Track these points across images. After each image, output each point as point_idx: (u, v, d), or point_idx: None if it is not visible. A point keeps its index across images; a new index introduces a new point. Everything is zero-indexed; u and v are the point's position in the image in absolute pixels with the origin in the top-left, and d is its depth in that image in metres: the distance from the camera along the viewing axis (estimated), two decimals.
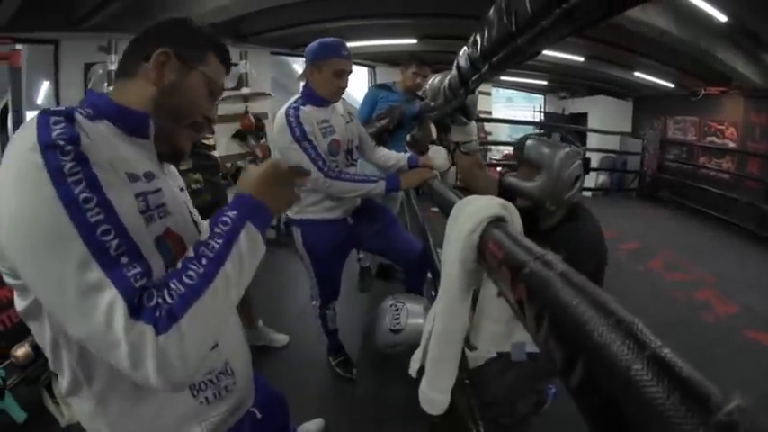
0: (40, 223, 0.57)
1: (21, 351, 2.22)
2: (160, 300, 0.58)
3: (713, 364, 2.46)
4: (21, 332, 2.36)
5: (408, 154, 2.18)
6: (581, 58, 5.88)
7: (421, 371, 1.03)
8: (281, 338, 2.68)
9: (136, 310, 0.56)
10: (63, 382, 0.74)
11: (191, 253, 0.66)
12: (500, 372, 1.49)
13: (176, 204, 0.83)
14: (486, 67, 1.32)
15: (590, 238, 1.47)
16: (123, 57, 0.82)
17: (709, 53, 4.50)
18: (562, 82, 8.42)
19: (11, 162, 0.59)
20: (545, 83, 8.72)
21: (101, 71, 3.53)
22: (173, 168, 0.94)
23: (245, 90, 4.59)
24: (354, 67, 2.03)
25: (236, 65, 4.54)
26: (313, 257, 2.09)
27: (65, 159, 0.58)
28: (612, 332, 0.35)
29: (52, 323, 0.67)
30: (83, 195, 0.57)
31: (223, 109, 4.58)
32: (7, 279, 0.66)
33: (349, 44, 5.58)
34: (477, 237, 0.76)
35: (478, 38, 1.21)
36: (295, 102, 1.91)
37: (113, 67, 3.42)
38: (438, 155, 2.12)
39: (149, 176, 0.75)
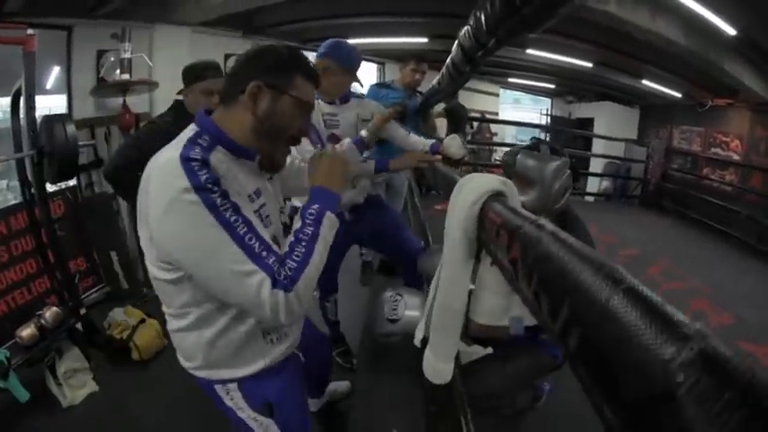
0: (207, 240, 0.86)
1: (26, 332, 2.27)
2: (284, 272, 0.89)
3: None
4: (26, 313, 2.42)
5: (431, 141, 2.23)
6: (590, 64, 5.90)
7: (424, 343, 1.07)
8: None
9: (276, 284, 0.87)
10: (177, 325, 1.05)
11: (292, 238, 0.95)
12: (502, 364, 1.54)
13: (275, 212, 1.12)
14: (492, 41, 1.37)
15: (583, 239, 1.50)
16: (225, 87, 1.02)
17: (717, 65, 4.51)
18: (570, 86, 8.42)
19: (169, 198, 0.85)
20: (552, 86, 8.72)
21: (112, 59, 3.53)
22: (276, 180, 1.19)
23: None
24: (364, 64, 2.11)
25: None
26: None
27: (214, 196, 0.85)
28: (592, 275, 0.38)
29: (194, 293, 0.97)
30: (232, 218, 0.86)
31: None
32: (159, 265, 0.95)
33: (359, 41, 5.60)
34: (479, 208, 0.81)
35: (481, 14, 1.24)
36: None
37: (126, 55, 3.45)
38: (453, 143, 2.17)
39: (258, 193, 1.03)
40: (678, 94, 6.51)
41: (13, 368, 2.15)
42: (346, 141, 1.89)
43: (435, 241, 2.86)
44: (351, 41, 5.94)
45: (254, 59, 1.00)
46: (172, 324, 1.07)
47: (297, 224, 0.98)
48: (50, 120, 2.34)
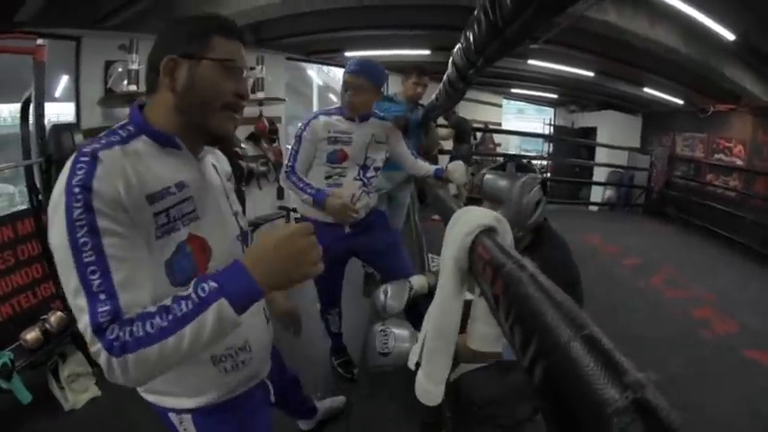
0: (59, 250, 0.74)
1: (30, 335, 2.31)
2: (120, 333, 0.71)
3: (709, 381, 2.50)
4: (31, 317, 2.45)
5: (436, 167, 2.36)
6: (590, 73, 5.95)
7: (418, 365, 1.10)
8: None
9: (98, 335, 0.71)
10: None
11: (168, 302, 0.74)
12: (503, 373, 1.55)
13: (209, 204, 0.95)
14: (480, 60, 1.41)
15: (557, 259, 1.52)
16: (146, 77, 0.90)
17: (718, 71, 4.54)
18: (572, 96, 8.46)
19: (54, 198, 0.75)
20: (555, 96, 8.76)
21: (120, 69, 3.60)
22: (219, 159, 1.08)
23: (260, 94, 4.68)
24: None
25: (253, 68, 4.64)
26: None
27: (77, 206, 0.72)
28: (559, 319, 0.44)
29: None
30: (82, 240, 0.72)
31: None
32: None
33: (362, 53, 5.66)
34: (471, 240, 0.85)
35: (470, 34, 1.28)
36: (327, 109, 2.12)
37: (133, 66, 3.50)
38: (457, 169, 2.29)
39: (180, 186, 0.87)
40: (680, 101, 6.53)
41: (16, 370, 2.18)
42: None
43: (430, 250, 2.92)
44: (354, 54, 6.04)
45: (164, 35, 0.88)
46: None
47: (185, 290, 0.75)
48: (59, 129, 2.41)
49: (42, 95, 2.34)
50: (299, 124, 2.10)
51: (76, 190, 0.72)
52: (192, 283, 0.75)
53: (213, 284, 0.74)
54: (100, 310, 0.71)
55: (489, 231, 0.86)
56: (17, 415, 2.21)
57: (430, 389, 1.04)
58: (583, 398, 0.35)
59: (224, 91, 0.88)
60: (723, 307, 3.56)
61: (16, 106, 2.65)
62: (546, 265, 1.49)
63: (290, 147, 2.14)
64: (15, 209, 2.98)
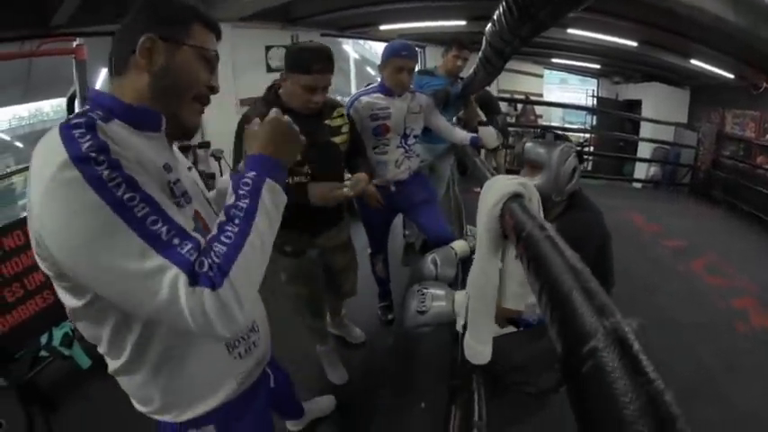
0: (92, 228, 0.63)
1: None
2: (209, 262, 0.65)
3: (740, 374, 2.46)
4: None
5: (471, 135, 2.60)
6: (634, 43, 5.63)
7: (465, 328, 1.21)
8: (358, 335, 2.69)
9: (194, 278, 0.64)
10: (117, 364, 0.84)
11: (223, 217, 0.73)
12: (530, 339, 1.65)
13: (193, 187, 0.92)
14: (516, 39, 1.44)
15: (587, 220, 1.66)
16: (112, 56, 0.84)
17: None
18: (615, 66, 8.05)
19: (46, 180, 0.63)
20: (598, 66, 8.38)
21: None
22: (176, 151, 0.97)
23: None
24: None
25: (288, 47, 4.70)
26: (363, 212, 2.48)
27: (100, 168, 0.63)
28: (565, 272, 0.56)
29: (116, 313, 0.77)
30: (126, 195, 0.64)
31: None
32: (58, 284, 0.75)
33: (396, 26, 5.62)
34: (499, 209, 0.94)
35: (504, 13, 1.31)
36: (367, 89, 2.33)
37: None
38: (487, 134, 2.56)
39: (168, 168, 0.82)
40: (730, 75, 6.07)
41: (76, 339, 2.43)
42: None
43: (469, 220, 3.00)
44: (388, 27, 5.96)
45: (143, 12, 0.82)
46: (110, 365, 0.87)
47: (229, 199, 0.76)
48: None
49: (86, 90, 2.51)
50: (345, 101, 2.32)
51: (93, 154, 0.64)
52: (231, 186, 0.79)
53: (251, 174, 0.79)
54: (184, 251, 0.65)
55: (515, 197, 0.94)
56: (76, 379, 2.46)
57: (478, 349, 1.14)
58: (579, 328, 0.44)
59: (199, 81, 0.85)
60: (764, 299, 3.41)
61: (56, 101, 2.86)
62: (577, 224, 1.62)
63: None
64: None
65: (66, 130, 0.66)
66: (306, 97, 1.67)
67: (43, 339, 2.39)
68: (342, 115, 1.91)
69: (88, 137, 0.65)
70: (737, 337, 2.92)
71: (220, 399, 0.96)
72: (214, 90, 0.89)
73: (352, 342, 2.67)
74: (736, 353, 2.70)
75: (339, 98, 2.27)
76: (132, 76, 0.81)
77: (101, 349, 0.85)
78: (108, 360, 0.87)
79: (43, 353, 2.36)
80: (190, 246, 0.66)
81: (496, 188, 0.96)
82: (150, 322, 0.79)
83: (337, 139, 1.85)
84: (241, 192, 0.76)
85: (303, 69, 1.62)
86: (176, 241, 0.65)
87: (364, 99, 2.25)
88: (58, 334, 2.39)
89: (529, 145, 1.71)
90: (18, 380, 2.22)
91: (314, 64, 1.62)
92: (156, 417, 0.95)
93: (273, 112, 0.92)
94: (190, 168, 0.99)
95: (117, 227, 0.62)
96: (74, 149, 0.63)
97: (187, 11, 0.84)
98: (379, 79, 2.31)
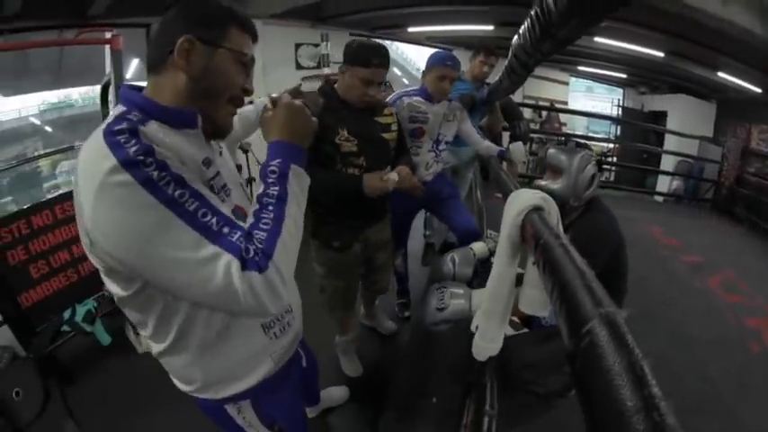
0: (149, 226, 0.68)
1: None
2: (253, 248, 0.72)
3: (750, 392, 2.42)
4: None
5: (499, 148, 2.69)
6: (660, 53, 5.56)
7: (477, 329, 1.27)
8: (390, 326, 2.78)
9: (245, 263, 0.70)
10: (161, 347, 0.91)
11: (256, 206, 0.79)
12: (543, 339, 1.71)
13: (234, 181, 0.98)
14: (538, 54, 1.49)
15: (602, 225, 1.73)
16: (149, 53, 0.86)
17: None
18: (642, 76, 7.96)
19: (97, 185, 0.67)
20: (624, 76, 8.29)
21: None
22: (224, 147, 1.04)
23: (326, 70, 4.85)
24: (432, 51, 2.42)
25: (317, 45, 4.77)
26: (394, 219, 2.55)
27: (149, 170, 0.68)
28: (573, 273, 0.63)
29: (162, 299, 0.83)
30: (176, 192, 0.69)
31: (306, 87, 4.81)
32: (108, 276, 0.81)
33: (424, 29, 5.66)
34: (521, 219, 1.02)
35: (528, 28, 1.36)
36: (408, 91, 2.42)
37: None
38: (516, 150, 2.67)
39: (207, 163, 0.88)
40: (758, 89, 5.94)
41: (99, 316, 2.54)
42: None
43: (489, 224, 3.05)
44: (416, 29, 6.01)
45: (181, 13, 0.84)
46: (154, 347, 0.94)
47: (259, 188, 0.82)
48: None
49: (121, 79, 2.60)
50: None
51: (141, 157, 0.68)
52: (260, 175, 0.84)
53: (277, 161, 0.83)
54: (234, 239, 0.71)
55: (537, 210, 1.02)
56: (97, 355, 2.57)
57: (483, 345, 1.21)
58: (580, 314, 0.53)
59: (235, 84, 0.88)
60: None
61: (84, 89, 2.97)
62: (592, 228, 1.69)
63: None
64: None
65: (111, 136, 0.70)
66: (362, 90, 1.76)
67: (66, 315, 2.49)
68: (391, 114, 1.99)
69: (133, 141, 0.70)
70: (750, 357, 2.87)
71: (258, 377, 1.03)
72: (248, 92, 0.92)
73: (383, 333, 2.77)
74: (747, 372, 2.65)
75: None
76: (170, 76, 0.83)
77: (145, 333, 0.91)
78: (152, 343, 0.93)
79: (65, 328, 2.46)
80: (239, 234, 0.72)
81: (520, 200, 1.04)
82: (194, 307, 0.86)
83: (387, 136, 1.93)
84: (269, 180, 0.81)
85: (363, 63, 1.71)
86: (226, 230, 0.72)
87: (406, 100, 2.35)
88: (81, 310, 2.49)
89: (551, 151, 1.80)
90: (38, 352, 2.31)
91: (373, 58, 1.71)
92: (197, 395, 1.02)
93: (285, 96, 0.96)
94: (221, 153, 1.01)
95: (171, 222, 0.68)
96: (121, 155, 0.68)
97: (225, 13, 0.86)
98: (406, 81, 2.42)
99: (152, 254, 0.69)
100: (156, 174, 0.68)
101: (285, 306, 0.82)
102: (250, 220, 0.77)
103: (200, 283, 0.70)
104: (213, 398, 1.01)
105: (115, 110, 0.81)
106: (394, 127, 1.98)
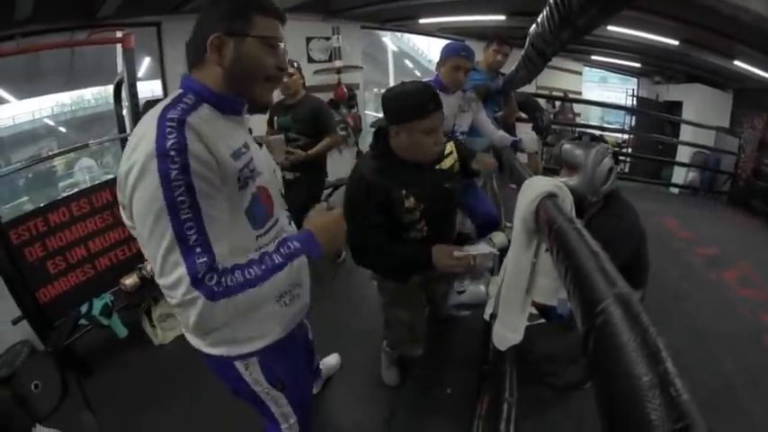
0: (149, 210, 0.82)
1: (129, 280, 2.69)
2: (223, 280, 0.84)
3: (764, 390, 2.37)
4: (130, 265, 2.83)
5: (512, 138, 2.67)
6: (675, 42, 5.42)
7: (492, 317, 1.30)
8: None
9: (196, 284, 0.82)
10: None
11: (256, 256, 0.93)
12: (563, 330, 1.71)
13: (264, 163, 1.09)
14: (557, 42, 1.48)
15: (625, 220, 1.71)
16: (188, 54, 0.99)
17: None
18: (656, 66, 7.79)
19: (140, 161, 0.82)
20: (638, 65, 8.11)
21: None
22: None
23: (337, 63, 4.88)
24: (443, 42, 2.45)
25: (328, 39, 4.78)
26: None
27: (173, 167, 0.81)
28: (587, 255, 0.65)
29: None
30: (179, 198, 0.81)
31: (317, 80, 4.92)
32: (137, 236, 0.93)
33: (436, 20, 5.65)
34: (535, 206, 1.02)
35: (547, 17, 1.36)
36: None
37: None
38: (529, 140, 2.63)
39: (246, 146, 1.01)
40: None
41: (115, 310, 2.59)
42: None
43: (506, 215, 3.10)
44: (428, 20, 5.98)
45: (207, 12, 0.97)
46: (172, 299, 0.97)
47: (271, 247, 0.96)
48: (152, 104, 2.69)
49: (134, 78, 2.65)
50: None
51: (172, 153, 0.81)
52: (276, 243, 0.97)
53: (297, 245, 0.97)
54: (198, 261, 0.82)
55: (551, 197, 1.02)
56: (114, 347, 2.64)
57: (506, 335, 1.22)
58: (595, 294, 0.54)
59: (266, 65, 0.99)
60: None
61: (96, 89, 3.02)
62: (614, 223, 1.68)
63: (368, 112, 2.41)
64: (95, 177, 3.35)
65: (163, 121, 0.84)
66: (428, 142, 1.56)
67: (83, 309, 2.54)
68: (451, 151, 1.81)
69: (175, 134, 0.83)
70: (764, 352, 2.82)
71: (268, 340, 1.15)
72: (283, 70, 1.04)
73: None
74: (761, 368, 2.60)
75: (377, 90, 2.40)
76: (208, 69, 0.96)
77: (163, 282, 0.97)
78: (169, 292, 0.98)
79: (83, 321, 2.51)
80: (205, 259, 0.83)
81: (534, 186, 1.04)
82: None
83: (450, 185, 1.78)
84: (282, 250, 0.95)
85: (419, 114, 1.51)
86: (198, 250, 0.83)
87: None
88: (98, 304, 2.54)
89: (566, 147, 1.77)
90: (56, 346, 2.37)
91: (428, 103, 1.52)
92: (207, 350, 1.13)
93: (338, 209, 1.12)
94: (261, 145, 1.18)
95: (163, 218, 0.81)
96: (161, 144, 0.81)
97: (247, 4, 0.96)
98: (418, 73, 2.43)
99: (143, 231, 0.84)
100: (174, 173, 0.80)
101: (206, 332, 0.97)
102: (243, 260, 0.91)
103: (159, 271, 0.84)
104: (224, 354, 1.12)
105: (175, 92, 0.96)
106: (454, 163, 1.82)
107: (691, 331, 2.85)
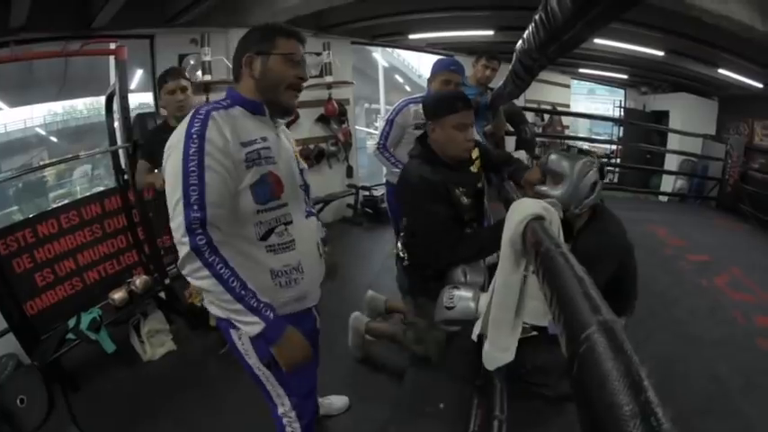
0: (173, 175, 1.11)
1: (118, 295, 2.65)
2: (215, 255, 1.10)
3: (760, 393, 2.35)
4: (119, 279, 2.79)
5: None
6: (660, 53, 5.54)
7: (480, 338, 1.32)
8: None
9: (189, 233, 1.08)
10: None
11: (249, 284, 1.14)
12: (553, 343, 1.68)
13: (283, 156, 1.31)
14: (543, 58, 1.50)
15: (611, 234, 1.73)
16: (233, 70, 1.30)
17: None
18: (643, 76, 7.97)
19: (174, 140, 1.15)
20: (625, 77, 8.28)
21: (193, 61, 3.93)
22: (289, 135, 1.44)
23: (328, 78, 4.88)
24: (434, 57, 2.48)
25: (319, 54, 4.82)
26: (392, 212, 2.66)
27: (192, 146, 1.11)
28: (572, 282, 0.65)
29: None
30: (191, 168, 1.10)
31: (308, 95, 4.87)
32: None
33: (425, 35, 5.67)
34: (523, 227, 1.03)
35: (533, 32, 1.37)
36: (415, 98, 2.52)
37: (206, 58, 3.83)
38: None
39: (264, 139, 1.24)
40: (759, 85, 5.89)
41: (104, 324, 2.53)
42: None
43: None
44: (417, 36, 6.00)
45: (243, 41, 1.27)
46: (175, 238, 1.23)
47: (260, 300, 1.15)
48: (143, 117, 2.70)
49: (126, 90, 2.65)
50: (397, 104, 2.61)
51: (194, 136, 1.11)
52: (264, 304, 1.16)
53: (270, 317, 1.15)
54: (192, 215, 1.08)
55: (538, 219, 1.03)
56: (103, 363, 2.57)
57: (495, 355, 1.23)
58: (580, 320, 0.54)
59: (288, 76, 1.26)
60: None
61: (89, 99, 3.01)
62: (600, 236, 1.70)
63: (359, 127, 2.44)
64: (92, 184, 3.32)
65: (195, 114, 1.16)
66: (460, 137, 1.76)
67: (71, 323, 2.50)
68: (477, 157, 1.96)
69: (199, 123, 1.13)
70: (759, 355, 2.80)
71: None
72: (303, 79, 1.30)
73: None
74: (757, 370, 2.59)
75: (368, 105, 2.46)
76: (244, 82, 1.27)
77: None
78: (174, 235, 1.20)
79: (70, 336, 2.46)
80: (197, 215, 1.09)
81: (522, 208, 1.06)
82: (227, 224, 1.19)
83: (480, 185, 1.96)
84: (258, 306, 1.15)
85: (450, 110, 1.74)
86: (195, 207, 1.09)
87: (413, 107, 2.46)
88: (86, 318, 2.50)
89: (553, 156, 1.79)
90: (43, 360, 2.32)
91: (457, 102, 1.76)
92: (209, 307, 1.26)
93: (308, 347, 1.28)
94: (282, 136, 1.37)
95: (179, 180, 1.10)
96: (190, 129, 1.13)
97: (271, 30, 1.25)
98: (408, 88, 2.47)
99: (168, 188, 1.14)
100: (192, 149, 1.10)
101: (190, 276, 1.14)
102: (238, 271, 1.14)
103: (171, 216, 1.12)
104: (221, 316, 1.23)
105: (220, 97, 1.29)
106: (479, 168, 1.97)
107: (684, 337, 2.84)
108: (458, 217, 1.80)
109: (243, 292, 1.12)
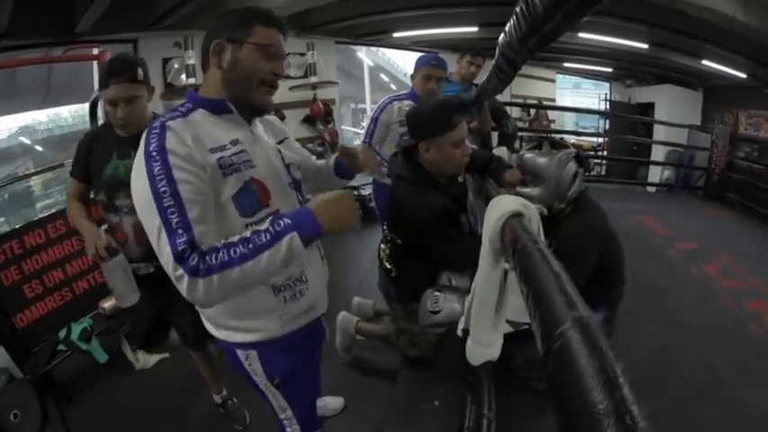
0: (143, 202, 0.93)
1: (108, 304, 2.62)
2: (207, 258, 0.90)
3: (753, 377, 2.40)
4: (105, 291, 2.75)
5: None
6: (644, 45, 5.60)
7: (465, 333, 1.28)
8: None
9: (179, 261, 0.89)
10: None
11: (247, 234, 0.94)
12: None
13: (262, 157, 1.12)
14: (525, 51, 1.50)
15: (592, 220, 1.72)
16: (201, 59, 1.09)
17: None
18: (628, 69, 8.03)
19: (135, 164, 0.97)
20: (610, 70, 8.36)
21: (177, 65, 3.89)
22: (271, 123, 1.28)
23: (313, 79, 4.86)
24: (417, 55, 2.51)
25: (303, 55, 4.80)
26: (380, 212, 2.65)
27: (155, 165, 0.92)
28: (549, 278, 0.63)
29: None
30: (162, 189, 0.91)
31: (293, 96, 4.88)
32: None
33: (409, 33, 5.69)
34: (501, 224, 1.01)
35: (514, 25, 1.38)
36: (399, 95, 2.50)
37: (190, 61, 3.78)
38: (500, 153, 2.51)
39: (235, 142, 1.06)
40: (743, 75, 5.97)
41: (94, 334, 2.52)
42: None
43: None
44: (402, 34, 6.04)
45: (215, 24, 1.06)
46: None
47: (262, 224, 0.96)
48: None
49: None
50: (380, 101, 2.59)
51: (154, 153, 0.93)
52: (269, 220, 0.97)
53: (288, 221, 0.95)
54: (179, 241, 0.90)
55: (517, 216, 1.02)
56: (95, 373, 2.54)
57: (478, 351, 1.21)
58: (556, 317, 0.53)
59: (261, 70, 1.06)
60: None
61: (74, 107, 2.97)
62: (582, 225, 1.69)
63: (345, 127, 2.43)
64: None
65: (150, 130, 0.97)
66: (458, 154, 1.64)
67: (62, 334, 2.47)
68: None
69: (155, 138, 0.95)
70: (751, 340, 2.85)
71: (265, 335, 1.16)
72: (278, 75, 1.09)
73: None
74: (748, 355, 2.63)
75: (354, 105, 2.45)
76: (210, 72, 1.07)
77: None
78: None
79: (61, 347, 2.44)
80: (185, 239, 0.90)
81: (501, 205, 1.04)
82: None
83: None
84: (271, 228, 0.95)
85: (448, 126, 1.59)
86: (180, 231, 0.91)
87: (396, 105, 2.45)
88: (76, 329, 2.47)
89: (527, 157, 1.76)
90: (35, 373, 2.29)
91: (453, 116, 1.60)
92: (212, 331, 1.19)
93: (350, 193, 1.08)
94: (282, 141, 1.26)
95: (152, 206, 0.91)
96: (148, 146, 0.94)
97: (248, 15, 1.05)
98: (394, 86, 2.47)
99: (142, 219, 0.96)
100: (157, 168, 0.92)
101: (216, 300, 0.97)
102: (232, 239, 0.94)
103: (157, 252, 0.93)
104: (225, 339, 1.16)
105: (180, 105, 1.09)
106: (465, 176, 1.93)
107: (676, 326, 2.87)
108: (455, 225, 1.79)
109: (251, 246, 0.92)
